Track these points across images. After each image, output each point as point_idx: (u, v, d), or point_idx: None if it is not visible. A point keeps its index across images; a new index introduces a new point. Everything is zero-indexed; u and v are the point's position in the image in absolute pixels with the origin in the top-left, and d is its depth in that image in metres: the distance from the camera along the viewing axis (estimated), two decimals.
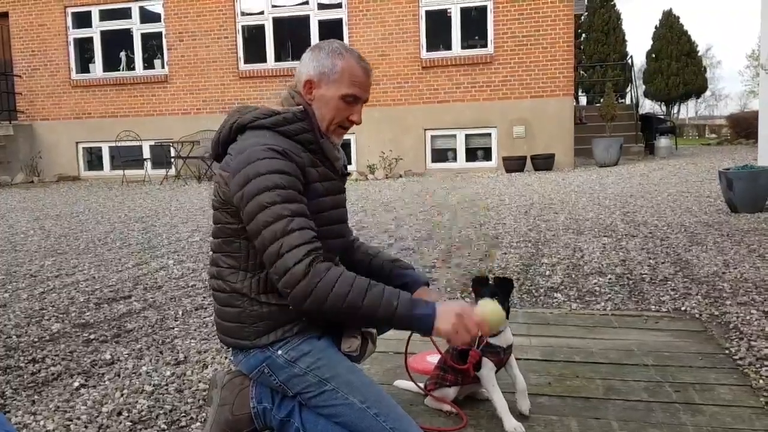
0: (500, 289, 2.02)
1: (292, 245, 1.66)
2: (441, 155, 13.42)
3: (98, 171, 14.94)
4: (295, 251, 1.66)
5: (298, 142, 1.83)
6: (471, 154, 13.32)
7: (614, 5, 27.79)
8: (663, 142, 16.21)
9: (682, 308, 3.42)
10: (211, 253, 1.92)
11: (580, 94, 25.27)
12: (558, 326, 3.12)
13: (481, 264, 4.67)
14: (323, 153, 1.89)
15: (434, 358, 2.21)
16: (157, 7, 14.25)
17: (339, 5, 13.26)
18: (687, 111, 43.63)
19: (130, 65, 14.67)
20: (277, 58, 13.78)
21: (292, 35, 14.67)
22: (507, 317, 2.06)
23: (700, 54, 30.43)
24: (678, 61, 28.72)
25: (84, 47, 14.87)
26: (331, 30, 12.98)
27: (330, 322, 1.87)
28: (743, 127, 23.14)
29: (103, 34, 14.50)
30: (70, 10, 14.50)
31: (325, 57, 1.87)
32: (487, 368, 2.05)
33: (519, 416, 2.07)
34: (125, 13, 14.32)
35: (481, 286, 2.05)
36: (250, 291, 1.80)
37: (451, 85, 12.92)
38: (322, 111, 1.88)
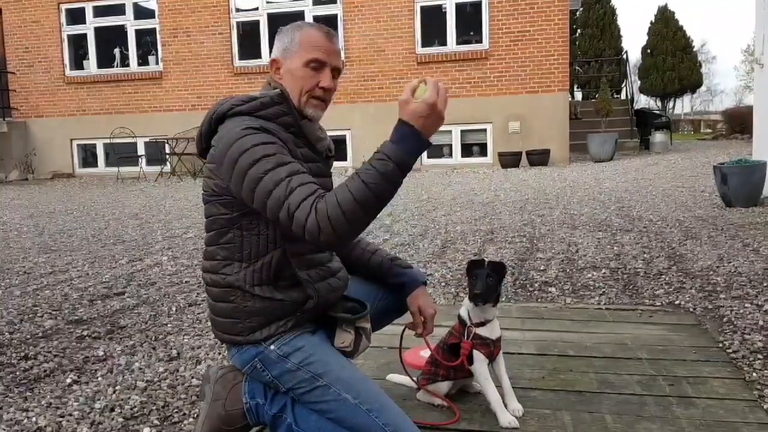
0: (494, 272, 2.04)
1: (298, 202, 1.63)
2: (436, 151, 13.41)
3: (93, 168, 14.89)
4: (302, 206, 1.62)
5: (278, 125, 1.81)
6: (466, 150, 13.31)
7: (609, 1, 27.78)
8: (658, 137, 16.21)
9: (676, 302, 3.42)
10: (204, 247, 1.91)
11: (575, 89, 25.27)
12: (552, 320, 3.12)
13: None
14: (304, 136, 1.87)
15: (427, 353, 2.21)
16: (151, 4, 14.19)
17: (334, 1, 13.23)
18: (682, 106, 43.72)
19: (125, 62, 14.60)
20: None
21: None
22: (496, 304, 2.07)
23: (695, 49, 30.42)
24: (673, 57, 28.70)
25: (78, 44, 14.81)
26: (325, 26, 12.93)
27: (323, 317, 1.86)
28: (738, 122, 23.15)
29: (97, 30, 14.44)
30: (63, 7, 14.43)
31: (285, 35, 1.88)
32: (479, 361, 2.05)
33: (511, 413, 2.07)
34: (119, 10, 14.26)
35: (475, 269, 2.06)
36: (245, 283, 1.79)
37: (446, 81, 12.90)
38: (291, 85, 1.86)
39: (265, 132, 1.74)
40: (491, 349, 2.06)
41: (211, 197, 1.82)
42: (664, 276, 3.97)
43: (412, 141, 1.65)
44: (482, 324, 2.06)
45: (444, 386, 2.15)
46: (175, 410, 2.33)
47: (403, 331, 2.12)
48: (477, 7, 12.90)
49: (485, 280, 2.02)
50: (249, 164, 1.68)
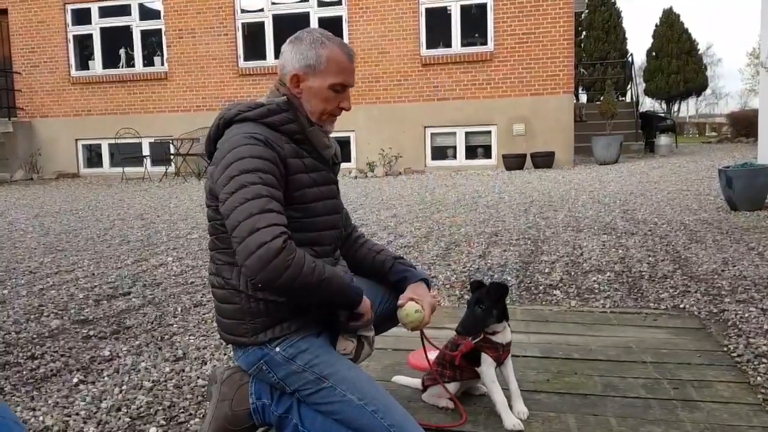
0: (487, 297, 2.03)
1: (270, 222, 1.64)
2: (441, 153, 13.42)
3: (98, 168, 14.93)
4: (272, 228, 1.64)
5: (284, 133, 1.83)
6: (471, 152, 13.32)
7: (614, 3, 27.78)
8: (663, 140, 16.21)
9: (681, 306, 3.42)
10: (208, 251, 1.93)
11: (580, 91, 25.26)
12: (557, 323, 3.12)
13: (480, 260, 4.67)
14: (310, 143, 1.89)
15: (432, 355, 2.21)
16: (156, 5, 14.24)
17: (339, 2, 13.25)
18: (687, 109, 43.56)
19: (130, 62, 14.65)
20: (277, 56, 13.55)
21: (291, 33, 14.54)
22: (503, 319, 2.07)
23: (700, 52, 30.39)
24: (678, 59, 28.70)
25: (83, 44, 14.85)
26: (330, 27, 12.95)
27: (327, 321, 1.87)
28: (743, 125, 23.13)
29: (103, 31, 14.48)
30: (69, 7, 14.49)
31: (307, 48, 1.86)
32: (487, 364, 2.06)
33: (516, 415, 2.07)
34: (125, 10, 14.31)
35: (473, 291, 2.06)
36: (247, 287, 1.80)
37: (451, 83, 12.91)
38: (312, 103, 1.87)
39: (267, 146, 1.76)
40: (500, 353, 2.07)
41: (211, 201, 1.85)
42: (668, 279, 3.97)
43: (350, 304, 1.84)
44: (491, 333, 2.07)
45: (450, 387, 2.15)
46: (181, 410, 2.34)
47: (422, 333, 2.11)
48: (482, 9, 12.91)
49: (472, 310, 2.03)
50: (240, 171, 1.71)
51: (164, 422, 2.25)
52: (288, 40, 1.92)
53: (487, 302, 2.02)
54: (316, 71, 1.85)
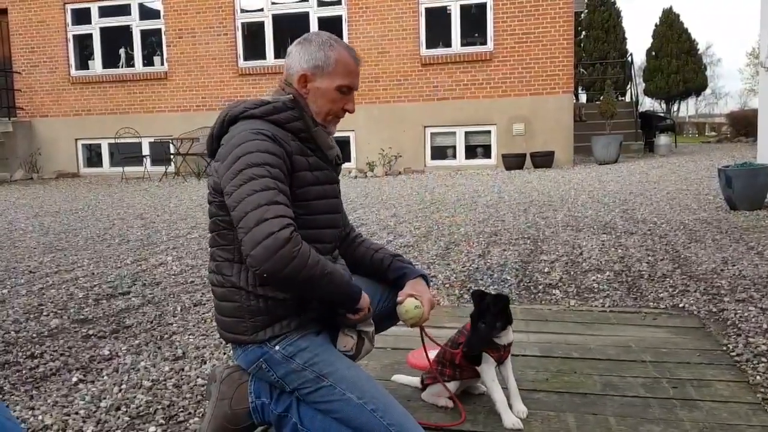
0: (491, 309, 2.02)
1: (278, 213, 1.66)
2: (440, 152, 13.42)
3: (97, 168, 14.93)
4: (279, 219, 1.65)
5: (289, 131, 1.85)
6: (470, 152, 13.32)
7: (614, 3, 27.78)
8: (662, 139, 16.21)
9: (680, 305, 3.42)
10: (209, 248, 1.93)
11: (579, 91, 25.26)
12: (556, 323, 3.12)
13: (480, 260, 4.67)
14: (315, 142, 1.90)
15: (432, 353, 2.21)
16: (156, 4, 14.23)
17: (339, 2, 13.25)
18: (687, 109, 43.54)
19: (130, 62, 14.65)
20: (277, 55, 13.74)
21: (291, 32, 14.64)
22: (507, 326, 2.06)
23: (700, 52, 30.38)
24: (678, 59, 28.69)
25: (83, 44, 14.85)
26: (330, 27, 12.96)
27: (327, 319, 1.87)
28: (743, 125, 23.15)
29: (103, 30, 14.47)
30: (69, 7, 14.48)
31: (316, 50, 1.88)
32: (488, 363, 2.06)
33: (516, 414, 2.07)
34: (125, 10, 14.30)
35: (475, 303, 2.07)
36: (247, 284, 1.81)
37: (450, 83, 12.91)
38: (318, 103, 1.89)
39: (274, 142, 1.77)
40: (501, 353, 2.07)
41: (213, 197, 1.85)
42: (668, 279, 3.97)
43: (349, 300, 1.83)
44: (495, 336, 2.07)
45: (450, 386, 2.15)
46: (181, 409, 2.34)
47: (422, 330, 2.11)
48: (482, 9, 12.91)
49: (475, 328, 2.03)
50: (248, 164, 1.72)
51: (163, 421, 2.26)
52: (296, 42, 1.93)
53: (489, 317, 2.02)
54: (324, 72, 1.87)
